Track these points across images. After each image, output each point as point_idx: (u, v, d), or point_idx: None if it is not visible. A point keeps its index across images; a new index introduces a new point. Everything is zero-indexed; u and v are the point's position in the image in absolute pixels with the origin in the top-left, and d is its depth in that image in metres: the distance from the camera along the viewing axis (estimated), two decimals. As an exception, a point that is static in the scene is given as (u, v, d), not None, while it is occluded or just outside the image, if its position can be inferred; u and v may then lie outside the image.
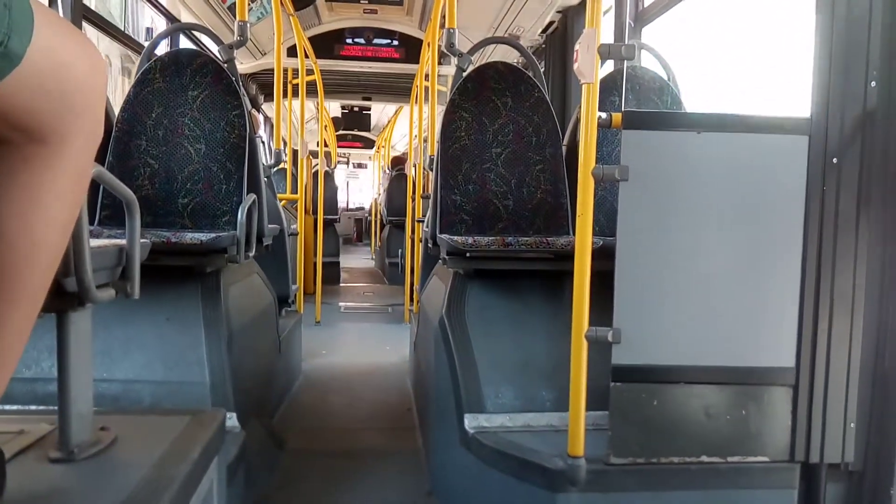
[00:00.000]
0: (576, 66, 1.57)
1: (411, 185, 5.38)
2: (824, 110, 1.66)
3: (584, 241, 1.57)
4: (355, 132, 12.06)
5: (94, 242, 1.29)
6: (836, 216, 1.66)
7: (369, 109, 10.40)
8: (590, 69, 1.55)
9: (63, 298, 1.21)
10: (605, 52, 1.56)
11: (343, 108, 10.46)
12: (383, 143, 11.31)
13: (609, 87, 2.57)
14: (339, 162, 15.20)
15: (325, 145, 8.04)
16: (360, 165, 16.62)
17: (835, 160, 1.65)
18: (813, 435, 1.69)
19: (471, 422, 1.97)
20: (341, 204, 15.78)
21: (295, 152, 4.98)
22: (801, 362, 1.69)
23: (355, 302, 6.56)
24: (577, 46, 1.56)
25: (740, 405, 1.70)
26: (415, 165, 5.22)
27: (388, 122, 9.91)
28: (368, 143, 12.86)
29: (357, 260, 10.80)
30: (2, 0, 0.50)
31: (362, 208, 16.02)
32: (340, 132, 11.80)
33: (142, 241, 1.45)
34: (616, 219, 1.66)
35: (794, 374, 1.69)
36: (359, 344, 4.77)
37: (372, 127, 11.55)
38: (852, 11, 1.63)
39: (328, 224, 7.92)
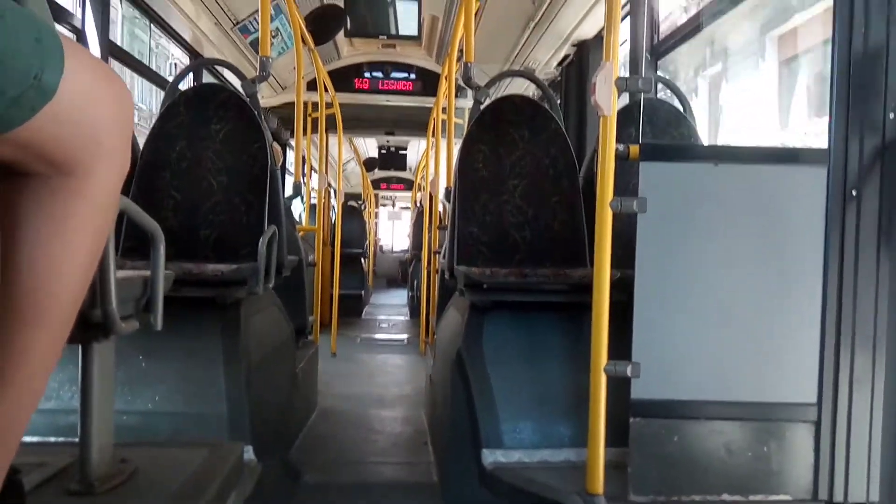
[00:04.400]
0: (593, 98, 1.58)
1: (427, 217, 5.40)
2: (843, 141, 1.65)
3: (602, 274, 1.57)
4: (396, 174, 12.13)
5: (119, 274, 1.31)
6: (857, 248, 1.64)
7: (405, 149, 10.48)
8: (607, 102, 1.56)
9: (88, 329, 1.22)
10: (622, 86, 1.57)
11: (380, 148, 10.56)
12: (422, 180, 11.38)
13: (625, 120, 2.58)
14: (382, 204, 15.34)
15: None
16: (405, 208, 16.73)
17: (854, 192, 1.64)
18: (836, 473, 1.65)
19: (488, 457, 1.95)
20: (386, 245, 15.90)
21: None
22: (822, 398, 1.65)
23: (373, 333, 6.55)
24: (594, 79, 1.57)
25: (762, 442, 1.66)
26: (431, 196, 5.25)
27: (421, 159, 10.02)
28: (411, 186, 12.94)
29: (396, 298, 10.79)
30: (33, 35, 0.51)
31: (407, 251, 16.16)
32: (379, 174, 11.91)
33: (165, 272, 1.47)
34: (633, 251, 1.65)
35: (816, 411, 1.66)
36: (374, 376, 4.75)
37: (409, 167, 11.61)
38: (870, 42, 1.63)
39: (354, 258, 7.94)
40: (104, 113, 0.62)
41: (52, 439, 1.83)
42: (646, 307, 1.64)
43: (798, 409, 1.66)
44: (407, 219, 16.39)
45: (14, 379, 0.63)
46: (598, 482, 1.57)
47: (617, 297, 1.61)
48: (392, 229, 17.29)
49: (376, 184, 12.92)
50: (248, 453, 1.93)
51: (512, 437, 2.00)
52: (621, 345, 1.63)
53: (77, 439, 1.33)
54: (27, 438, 1.80)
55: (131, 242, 2.40)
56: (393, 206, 16.64)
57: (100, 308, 1.20)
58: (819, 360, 1.65)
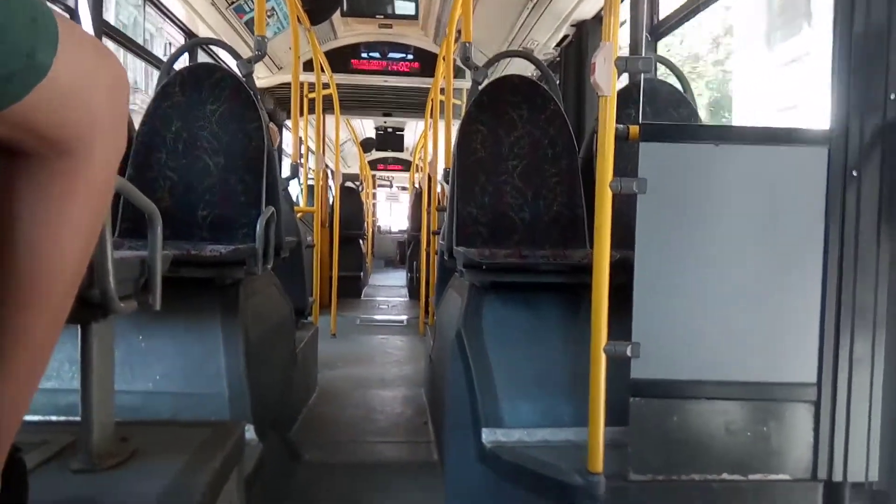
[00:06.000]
0: (593, 79, 1.57)
1: (426, 198, 5.39)
2: (844, 122, 1.65)
3: (602, 255, 1.57)
4: (393, 154, 12.09)
5: (117, 254, 1.31)
6: (857, 229, 1.64)
7: (402, 130, 10.43)
8: (607, 82, 1.55)
9: (87, 310, 1.22)
10: (622, 66, 1.56)
11: (377, 128, 10.52)
12: (419, 162, 11.35)
13: (625, 100, 2.57)
14: (379, 185, 15.28)
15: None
16: (403, 189, 16.70)
17: (855, 172, 1.64)
18: (836, 453, 1.66)
19: (488, 436, 1.96)
20: (384, 226, 15.87)
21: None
22: (822, 378, 1.66)
23: (372, 314, 6.57)
24: (594, 60, 1.56)
25: (761, 421, 1.67)
26: (430, 178, 5.23)
27: (419, 140, 9.98)
28: (408, 166, 12.92)
29: (395, 279, 10.82)
30: (27, 13, 0.51)
31: (405, 231, 16.15)
32: (376, 154, 11.86)
33: (163, 252, 1.47)
34: (633, 231, 1.65)
35: (815, 391, 1.67)
36: (374, 356, 4.77)
37: (406, 148, 11.57)
38: (871, 22, 1.62)
39: (352, 239, 7.93)
40: (100, 91, 0.61)
41: (54, 418, 1.84)
42: (646, 288, 1.65)
43: (798, 388, 1.67)
44: (405, 200, 16.40)
45: (15, 358, 0.63)
46: (598, 461, 1.58)
47: (616, 278, 1.61)
48: (390, 210, 17.28)
49: (373, 164, 12.87)
50: (249, 432, 1.94)
51: (512, 416, 2.01)
52: (621, 325, 1.63)
53: (78, 418, 1.33)
54: (28, 417, 1.81)
55: (128, 223, 2.39)
56: (391, 186, 16.61)
57: (98, 288, 1.20)
58: (819, 340, 1.66)
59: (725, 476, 1.66)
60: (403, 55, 5.85)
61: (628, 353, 1.59)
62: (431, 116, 5.14)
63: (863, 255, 1.64)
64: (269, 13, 4.80)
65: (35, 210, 0.60)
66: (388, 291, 8.93)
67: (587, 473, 1.59)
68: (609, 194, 1.57)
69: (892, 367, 1.64)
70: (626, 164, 2.44)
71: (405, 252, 10.01)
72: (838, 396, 1.65)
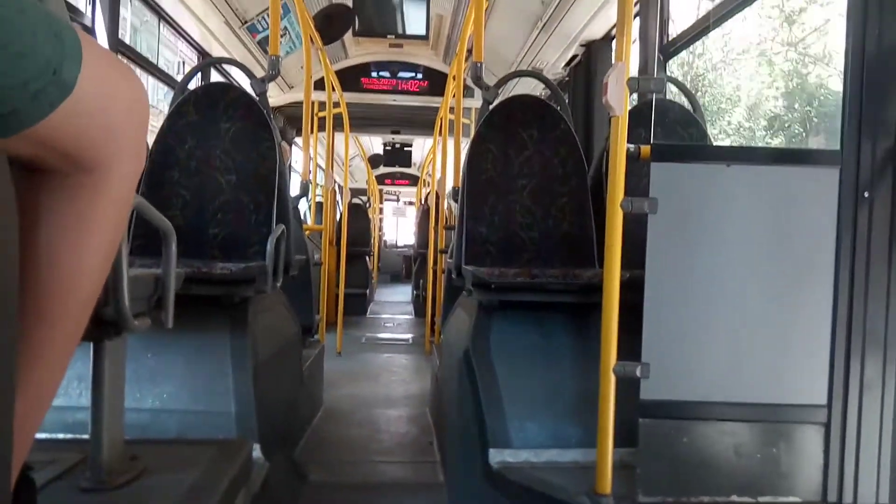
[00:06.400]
0: (605, 99, 1.58)
1: (433, 216, 5.40)
2: (855, 142, 1.65)
3: (612, 274, 1.57)
4: (400, 170, 12.16)
5: (131, 272, 1.31)
6: (868, 250, 1.63)
7: (410, 146, 10.50)
8: (619, 102, 1.56)
9: (100, 327, 1.23)
10: (633, 86, 1.57)
11: (385, 145, 10.58)
12: (426, 177, 11.39)
13: (636, 120, 2.57)
14: (386, 199, 15.33)
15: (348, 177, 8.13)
16: (410, 203, 16.74)
17: (866, 193, 1.64)
18: (846, 475, 1.64)
19: (495, 456, 1.94)
20: (390, 241, 15.90)
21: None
22: (832, 400, 1.65)
23: (377, 333, 6.56)
24: (606, 80, 1.57)
25: (771, 443, 1.66)
26: (437, 196, 5.24)
27: (426, 157, 10.02)
28: (416, 181, 12.95)
29: (401, 295, 10.82)
30: (52, 29, 0.51)
31: (412, 246, 16.14)
32: (384, 169, 11.91)
33: (176, 270, 1.47)
34: (643, 251, 1.65)
35: (826, 413, 1.65)
36: (379, 375, 4.76)
37: (414, 163, 11.63)
38: (883, 43, 1.62)
39: (358, 256, 7.94)
40: (121, 109, 0.62)
41: (63, 436, 1.84)
42: (656, 308, 1.64)
43: (808, 410, 1.66)
44: (411, 214, 16.42)
45: (30, 376, 0.63)
46: (607, 482, 1.57)
47: (626, 298, 1.61)
48: (396, 225, 17.29)
49: (381, 179, 12.93)
50: (256, 451, 1.94)
51: (519, 436, 1.99)
52: (630, 345, 1.63)
53: (88, 436, 1.33)
54: (38, 435, 1.81)
55: (140, 241, 2.41)
56: (397, 201, 16.65)
57: (112, 306, 1.21)
58: (829, 362, 1.65)
59: (735, 498, 1.64)
60: (413, 74, 5.90)
61: (638, 373, 1.59)
62: (441, 134, 5.16)
63: (874, 277, 1.63)
64: (281, 33, 4.86)
65: (56, 225, 0.60)
66: (394, 308, 8.92)
67: (595, 495, 1.58)
68: (620, 214, 1.58)
69: None
70: (636, 183, 2.44)
71: (411, 266, 10.02)
72: (848, 419, 1.64)
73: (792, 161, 1.69)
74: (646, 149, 1.63)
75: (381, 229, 14.20)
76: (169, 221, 1.43)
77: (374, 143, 11.06)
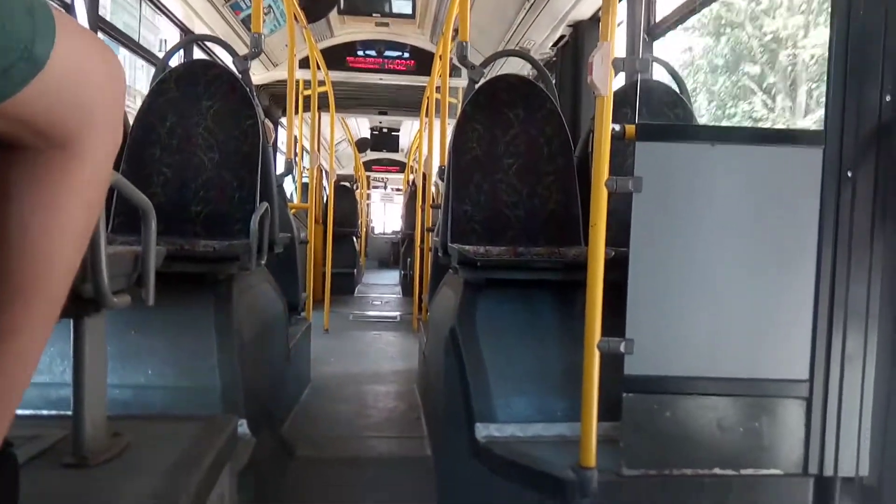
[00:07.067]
0: (590, 79, 1.57)
1: (420, 195, 5.39)
2: (839, 123, 1.66)
3: (597, 252, 1.57)
4: (388, 155, 12.06)
5: (110, 249, 1.30)
6: (851, 228, 1.65)
7: (397, 130, 10.40)
8: (604, 82, 1.55)
9: (79, 304, 1.22)
10: (619, 66, 1.56)
11: (372, 129, 10.50)
12: (414, 162, 11.34)
13: (621, 100, 2.57)
14: (374, 186, 15.25)
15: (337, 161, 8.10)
16: (398, 190, 16.65)
17: (849, 173, 1.65)
18: (827, 448, 1.67)
19: (481, 431, 1.96)
20: (378, 228, 15.84)
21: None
22: (814, 375, 1.67)
23: (365, 311, 6.57)
24: (591, 60, 1.56)
25: (753, 417, 1.68)
26: (424, 175, 5.23)
27: (413, 141, 9.97)
28: (403, 168, 12.87)
29: (388, 278, 10.83)
30: (25, 5, 0.50)
31: (399, 232, 16.10)
32: (372, 155, 11.83)
33: (157, 247, 1.46)
34: (627, 229, 1.66)
35: (807, 387, 1.68)
36: (367, 352, 4.78)
37: (402, 149, 11.56)
38: (867, 24, 1.63)
39: (346, 237, 7.93)
40: (96, 85, 0.61)
41: (45, 412, 1.83)
42: (640, 285, 1.65)
43: (790, 385, 1.68)
44: (399, 201, 16.36)
45: (8, 352, 0.63)
46: (591, 456, 1.58)
47: (611, 276, 1.62)
48: (384, 211, 17.26)
49: (368, 165, 12.85)
50: (242, 427, 1.94)
51: (505, 411, 2.01)
52: (614, 322, 1.64)
53: (70, 412, 1.33)
54: (20, 412, 1.80)
55: (121, 218, 2.38)
56: (385, 187, 16.60)
57: (91, 283, 1.20)
58: (811, 337, 1.67)
59: (717, 471, 1.67)
60: (399, 53, 5.85)
61: (622, 349, 1.60)
62: (427, 115, 5.14)
63: (856, 255, 1.65)
64: (265, 10, 4.78)
65: (30, 203, 0.59)
66: (382, 289, 8.94)
67: (580, 468, 1.59)
68: (605, 192, 1.58)
69: (884, 363, 1.65)
70: (621, 162, 2.45)
71: (398, 253, 10.04)
72: (830, 393, 1.66)
73: (776, 141, 1.70)
74: (631, 128, 1.63)
75: (368, 214, 14.15)
76: (148, 199, 1.41)
77: (362, 127, 10.96)
